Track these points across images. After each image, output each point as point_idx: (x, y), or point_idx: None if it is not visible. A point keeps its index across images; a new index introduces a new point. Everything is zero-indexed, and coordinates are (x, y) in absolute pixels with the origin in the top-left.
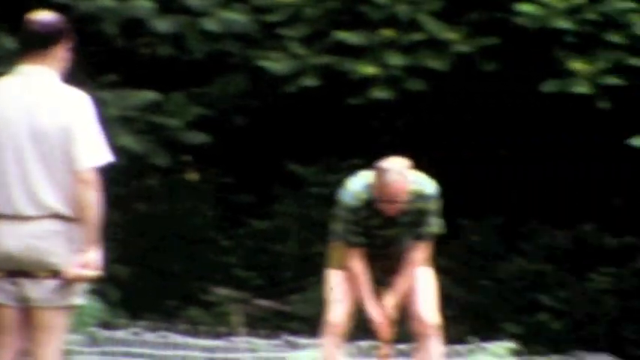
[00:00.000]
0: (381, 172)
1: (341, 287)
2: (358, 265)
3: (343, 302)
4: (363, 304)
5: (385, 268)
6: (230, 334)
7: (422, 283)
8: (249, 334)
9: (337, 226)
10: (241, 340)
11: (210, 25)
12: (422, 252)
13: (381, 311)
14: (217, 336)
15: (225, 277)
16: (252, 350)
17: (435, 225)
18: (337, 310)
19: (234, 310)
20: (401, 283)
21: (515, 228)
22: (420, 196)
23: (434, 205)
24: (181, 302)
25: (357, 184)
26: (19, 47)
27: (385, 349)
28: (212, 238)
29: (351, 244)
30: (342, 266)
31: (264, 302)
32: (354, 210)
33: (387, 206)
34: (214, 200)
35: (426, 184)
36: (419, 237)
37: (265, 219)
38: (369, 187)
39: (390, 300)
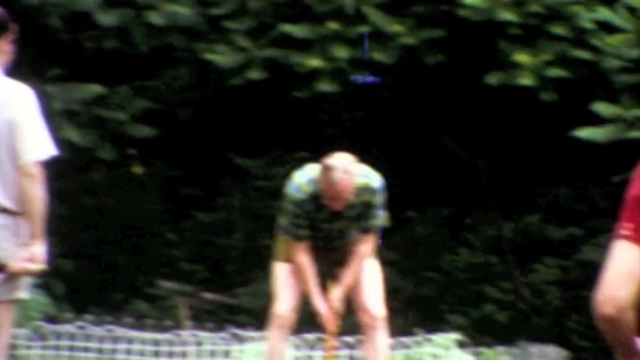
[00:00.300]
0: (326, 170)
1: (287, 280)
2: (304, 258)
3: (289, 295)
4: (310, 297)
5: (331, 261)
6: (176, 327)
7: (368, 275)
8: (195, 327)
9: (283, 219)
10: (187, 334)
11: (155, 18)
12: (368, 244)
13: (327, 304)
14: (163, 329)
15: (171, 270)
16: (198, 343)
17: (381, 218)
18: (283, 303)
19: (180, 303)
20: (347, 276)
21: (461, 220)
22: (365, 190)
23: (379, 198)
24: (127, 296)
25: (303, 178)
26: None
27: (331, 342)
28: (158, 232)
29: (297, 237)
30: (289, 259)
31: (210, 295)
32: (299, 203)
33: (333, 203)
34: (160, 194)
35: (371, 178)
36: (365, 230)
37: (211, 212)
38: (315, 182)
39: (337, 292)
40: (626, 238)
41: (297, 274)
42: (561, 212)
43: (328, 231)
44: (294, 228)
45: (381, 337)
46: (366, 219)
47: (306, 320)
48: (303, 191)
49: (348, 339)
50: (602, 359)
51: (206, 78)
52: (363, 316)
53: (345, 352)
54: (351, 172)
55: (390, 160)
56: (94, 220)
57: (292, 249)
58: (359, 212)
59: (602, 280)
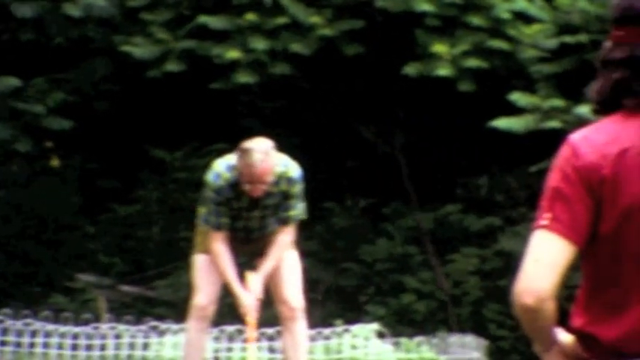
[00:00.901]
0: (244, 153)
1: (206, 271)
2: (221, 246)
3: (208, 286)
4: (228, 285)
5: (251, 253)
6: (95, 320)
7: (287, 267)
8: (114, 320)
9: (203, 209)
10: (106, 327)
11: (71, 10)
12: (287, 235)
13: (247, 294)
14: (82, 323)
15: (89, 263)
16: (117, 336)
17: (300, 208)
18: (202, 294)
19: (99, 296)
20: (266, 264)
21: (380, 210)
22: (284, 179)
23: (298, 189)
24: (46, 289)
25: (223, 165)
26: None
27: (251, 332)
28: (76, 225)
29: (216, 226)
30: (208, 250)
31: (128, 288)
32: (219, 190)
33: (252, 187)
34: (78, 186)
35: (290, 167)
36: (283, 221)
37: (129, 205)
38: (234, 168)
39: (256, 281)
40: (545, 228)
41: (215, 263)
42: (480, 202)
43: (247, 220)
44: (213, 216)
45: (300, 329)
46: (285, 209)
47: (226, 312)
48: (222, 178)
49: (268, 330)
50: (520, 348)
51: (123, 70)
52: (282, 307)
53: (265, 343)
54: (270, 155)
55: (309, 152)
56: (11, 213)
57: (210, 238)
58: (277, 202)
59: (521, 271)
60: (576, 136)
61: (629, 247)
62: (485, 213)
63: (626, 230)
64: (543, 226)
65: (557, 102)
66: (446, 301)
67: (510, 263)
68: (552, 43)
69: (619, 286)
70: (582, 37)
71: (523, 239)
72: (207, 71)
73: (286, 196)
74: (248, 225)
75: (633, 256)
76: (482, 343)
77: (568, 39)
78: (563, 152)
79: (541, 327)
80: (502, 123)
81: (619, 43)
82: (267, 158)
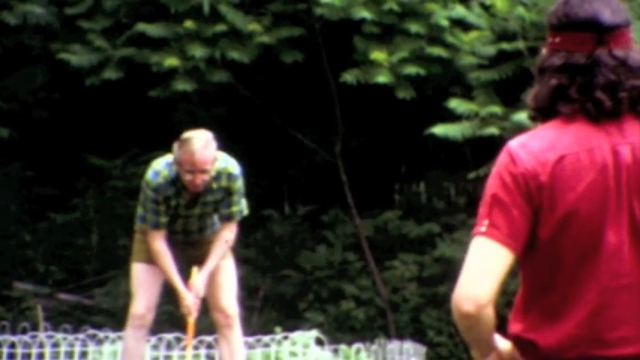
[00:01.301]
0: (184, 141)
1: (144, 279)
2: (161, 244)
3: (146, 294)
4: (170, 283)
5: (190, 259)
6: (32, 328)
7: (223, 273)
8: (52, 329)
9: (141, 210)
10: (44, 335)
11: (9, 17)
12: (229, 231)
13: (188, 293)
14: (20, 331)
15: (27, 271)
16: (55, 345)
17: (242, 204)
18: (140, 302)
19: (37, 304)
20: (210, 264)
21: (319, 217)
22: (224, 175)
23: (239, 185)
24: None
25: (161, 163)
26: None
27: (190, 334)
28: (13, 233)
29: (155, 226)
30: (146, 258)
31: (66, 296)
32: (157, 188)
33: (193, 177)
34: (15, 194)
35: (231, 164)
36: (226, 217)
37: (67, 212)
38: (172, 165)
39: (199, 281)
40: (483, 234)
41: (156, 262)
42: (418, 209)
43: (186, 219)
44: (151, 215)
45: (235, 336)
46: (227, 206)
47: (164, 320)
48: (161, 176)
49: (206, 338)
50: (458, 354)
51: (62, 78)
52: (218, 315)
53: (203, 351)
54: (211, 144)
55: (248, 159)
56: None
57: (149, 239)
58: (218, 199)
59: (460, 278)
60: (514, 143)
61: (566, 253)
62: (423, 219)
63: (563, 237)
64: (481, 233)
65: (495, 109)
66: (385, 307)
67: (449, 269)
68: (490, 50)
69: (557, 292)
70: (520, 44)
71: (462, 246)
72: (146, 79)
73: (228, 193)
74: (187, 225)
75: (570, 263)
76: (421, 349)
77: (506, 46)
78: (502, 159)
79: (480, 334)
80: (440, 130)
81: (555, 50)
82: (209, 146)
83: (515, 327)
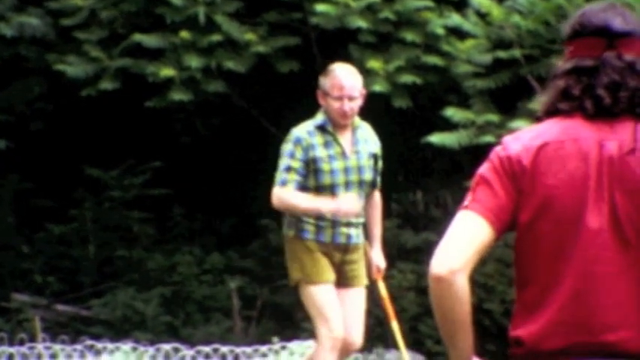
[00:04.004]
0: (331, 69)
1: (327, 299)
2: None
3: (337, 315)
4: (313, 210)
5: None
6: (30, 340)
7: (359, 305)
8: (50, 340)
9: (279, 174)
10: (42, 346)
11: (5, 29)
12: (378, 196)
13: (330, 200)
14: (17, 343)
15: (25, 283)
16: (53, 356)
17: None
18: (336, 324)
19: (35, 316)
20: (374, 229)
21: None
22: (369, 136)
23: (380, 154)
24: None
25: (303, 127)
26: None
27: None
28: (11, 244)
29: (285, 183)
30: (317, 279)
31: (64, 307)
32: (305, 137)
33: (341, 104)
34: (13, 206)
35: (373, 133)
36: (373, 184)
37: (64, 224)
38: (321, 116)
39: (375, 250)
40: (465, 208)
41: (294, 208)
42: (416, 218)
43: (342, 173)
44: (291, 174)
45: None
46: (375, 171)
47: (162, 331)
48: (307, 130)
49: (204, 348)
50: None
51: (58, 89)
52: (343, 344)
53: None
54: (358, 74)
55: (246, 168)
56: None
57: (281, 194)
58: (368, 157)
59: (438, 246)
60: (509, 136)
61: (545, 238)
62: (421, 228)
63: (542, 221)
64: (463, 207)
65: (492, 117)
66: (382, 317)
67: None
68: (486, 58)
69: (537, 282)
70: (516, 52)
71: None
72: (142, 89)
73: (374, 157)
74: (334, 180)
75: (549, 249)
76: (419, 359)
77: (502, 54)
78: (495, 148)
79: (454, 309)
80: (436, 138)
81: (569, 59)
82: (356, 74)
83: (510, 330)
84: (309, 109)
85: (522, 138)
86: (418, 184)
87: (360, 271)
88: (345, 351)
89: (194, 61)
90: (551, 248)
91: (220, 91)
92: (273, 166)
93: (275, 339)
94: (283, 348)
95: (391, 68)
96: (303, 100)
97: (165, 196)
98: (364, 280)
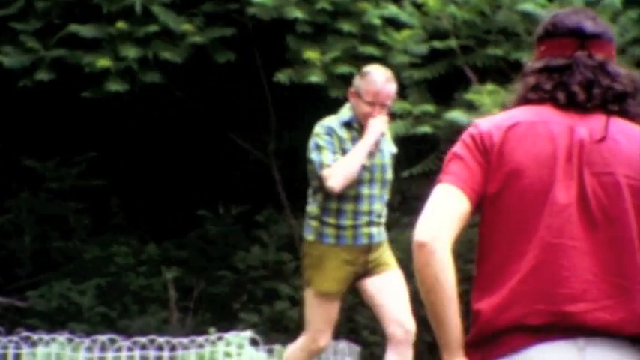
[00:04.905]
0: (368, 72)
1: (329, 311)
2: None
3: (330, 328)
4: (359, 155)
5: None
6: None
7: (396, 283)
8: None
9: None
10: None
11: None
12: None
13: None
14: None
15: None
16: None
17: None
18: (326, 338)
19: None
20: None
21: (253, 218)
22: (388, 140)
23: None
24: None
25: (327, 119)
26: None
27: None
28: None
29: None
30: (329, 287)
31: (0, 299)
32: (334, 129)
33: (372, 110)
34: None
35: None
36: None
37: (0, 215)
38: (348, 112)
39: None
40: (440, 182)
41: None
42: None
43: (364, 171)
44: (327, 153)
45: (410, 355)
46: (393, 171)
47: (98, 321)
48: (336, 123)
49: (140, 339)
50: None
51: None
52: (395, 328)
53: (138, 352)
54: (394, 81)
55: (181, 159)
56: None
57: (330, 175)
58: (390, 157)
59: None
60: (481, 118)
61: (509, 209)
62: None
63: (507, 192)
64: (439, 181)
65: (428, 107)
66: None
67: None
68: (423, 48)
69: (499, 255)
70: (452, 43)
71: (396, 244)
72: (79, 80)
73: (391, 159)
74: (359, 177)
75: (513, 220)
76: (356, 348)
77: (438, 44)
78: (468, 128)
79: (439, 280)
80: None
81: (539, 58)
82: (392, 81)
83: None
84: (245, 99)
85: (494, 119)
86: None
87: (385, 258)
88: (406, 342)
89: (130, 52)
90: (515, 220)
91: (157, 81)
92: (209, 156)
93: (212, 329)
94: (220, 338)
95: (328, 59)
96: (240, 90)
97: (101, 186)
98: (394, 265)
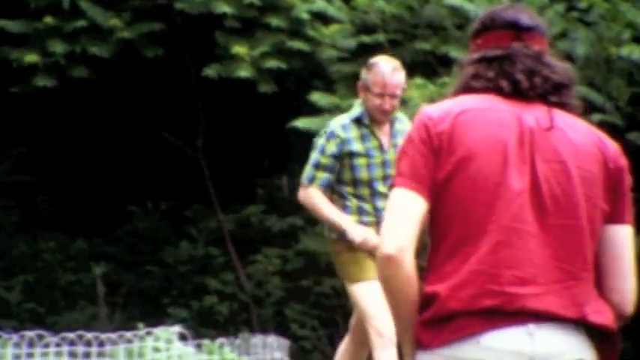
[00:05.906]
0: (374, 64)
1: (374, 297)
2: (323, 197)
3: (386, 312)
4: (334, 223)
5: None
6: None
7: None
8: None
9: (307, 170)
10: None
11: None
12: None
13: (356, 226)
14: None
15: None
16: None
17: None
18: (386, 321)
19: None
20: None
21: (182, 213)
22: (403, 131)
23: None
24: None
25: (339, 117)
26: None
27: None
28: None
29: (312, 180)
30: (363, 276)
31: None
32: (339, 135)
33: (381, 102)
34: None
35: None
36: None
37: None
38: (358, 108)
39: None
40: (394, 185)
41: (317, 212)
42: (281, 203)
43: (370, 169)
44: (320, 171)
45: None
46: None
47: (27, 318)
48: (343, 124)
49: (69, 335)
50: (321, 347)
51: None
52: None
53: (66, 348)
54: (402, 69)
55: (110, 155)
56: None
57: (308, 195)
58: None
59: (382, 229)
60: (429, 106)
61: (462, 194)
62: (286, 213)
63: (458, 177)
64: (392, 185)
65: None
66: (248, 302)
67: (312, 263)
68: (351, 42)
69: (453, 239)
70: (380, 37)
71: (324, 239)
72: (6, 75)
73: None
74: (372, 175)
75: (467, 204)
76: (285, 343)
77: (366, 39)
78: (417, 116)
79: (404, 287)
80: (302, 123)
81: (476, 51)
82: (400, 70)
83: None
84: (174, 95)
85: (442, 105)
86: (284, 169)
87: None
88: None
89: (58, 47)
90: (470, 204)
91: (85, 76)
92: (138, 152)
93: (140, 325)
94: (149, 334)
95: (256, 53)
96: (169, 85)
97: (29, 182)
98: None
